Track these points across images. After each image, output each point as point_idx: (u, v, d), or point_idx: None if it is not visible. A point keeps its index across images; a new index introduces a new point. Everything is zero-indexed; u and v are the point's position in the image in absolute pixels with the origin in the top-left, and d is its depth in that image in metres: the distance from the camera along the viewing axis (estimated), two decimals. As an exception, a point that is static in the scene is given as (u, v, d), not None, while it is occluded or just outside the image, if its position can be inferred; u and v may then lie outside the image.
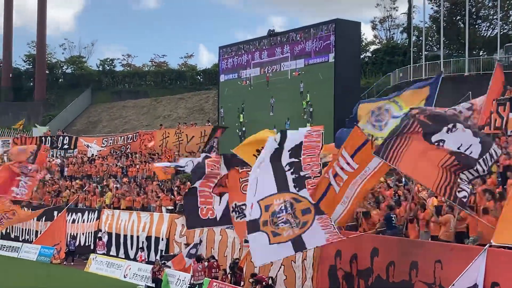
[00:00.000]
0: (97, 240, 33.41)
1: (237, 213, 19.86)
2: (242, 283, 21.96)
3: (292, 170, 16.78)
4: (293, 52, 36.61)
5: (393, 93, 17.37)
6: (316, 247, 18.30)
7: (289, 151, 16.81)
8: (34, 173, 35.15)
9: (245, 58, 39.71)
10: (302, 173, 16.66)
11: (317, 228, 16.27)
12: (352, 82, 34.72)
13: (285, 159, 16.88)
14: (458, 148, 14.07)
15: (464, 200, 14.24)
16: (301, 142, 16.84)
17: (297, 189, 16.59)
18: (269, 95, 37.87)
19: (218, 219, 21.55)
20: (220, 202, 21.27)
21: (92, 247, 33.86)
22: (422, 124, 14.38)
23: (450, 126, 14.23)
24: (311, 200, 16.25)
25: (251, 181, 17.19)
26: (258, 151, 18.77)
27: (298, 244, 16.41)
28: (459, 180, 14.15)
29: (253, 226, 16.73)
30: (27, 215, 36.72)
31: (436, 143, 14.20)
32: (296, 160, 16.76)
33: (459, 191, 14.06)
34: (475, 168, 14.12)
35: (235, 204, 19.86)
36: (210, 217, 21.63)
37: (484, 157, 14.09)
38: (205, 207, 21.51)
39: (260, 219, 16.58)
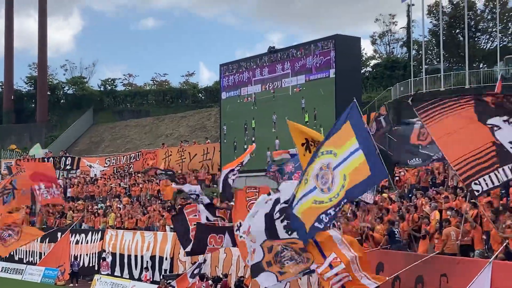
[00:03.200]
0: (101, 260, 33.32)
1: (241, 232, 19.78)
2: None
3: (281, 218, 16.66)
4: (293, 69, 36.64)
5: (318, 147, 16.38)
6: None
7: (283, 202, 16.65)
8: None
9: (246, 75, 39.76)
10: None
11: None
12: (353, 97, 34.66)
13: (277, 208, 16.80)
14: (510, 142, 13.63)
15: (476, 193, 14.08)
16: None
17: (289, 233, 16.51)
18: (271, 112, 37.90)
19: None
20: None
21: (96, 268, 33.76)
22: (481, 105, 14.02)
23: (509, 118, 13.77)
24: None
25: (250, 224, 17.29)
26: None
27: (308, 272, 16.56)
28: (485, 174, 13.77)
29: (258, 268, 16.89)
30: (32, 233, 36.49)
31: (490, 125, 13.78)
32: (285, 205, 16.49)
33: (475, 183, 13.80)
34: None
35: (240, 223, 19.80)
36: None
37: None
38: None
39: (263, 260, 16.71)
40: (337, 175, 14.98)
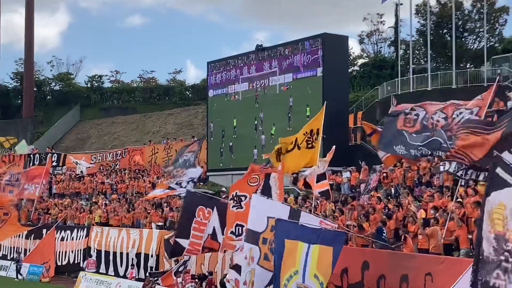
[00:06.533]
0: (87, 258, 33.17)
1: (235, 202, 19.75)
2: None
3: None
4: (281, 67, 36.65)
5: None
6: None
7: None
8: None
9: (234, 73, 39.71)
10: None
11: None
12: (341, 96, 34.74)
13: None
14: None
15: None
16: None
17: None
18: (258, 110, 37.90)
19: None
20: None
21: (81, 265, 33.61)
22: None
23: None
24: None
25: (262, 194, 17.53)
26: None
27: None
28: None
29: (253, 237, 16.91)
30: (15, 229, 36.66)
31: None
32: None
33: None
34: None
35: (236, 193, 19.81)
36: None
37: None
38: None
39: (262, 234, 16.67)
40: (310, 283, 15.28)
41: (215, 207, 21.06)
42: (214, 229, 21.06)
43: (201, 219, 21.08)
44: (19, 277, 34.75)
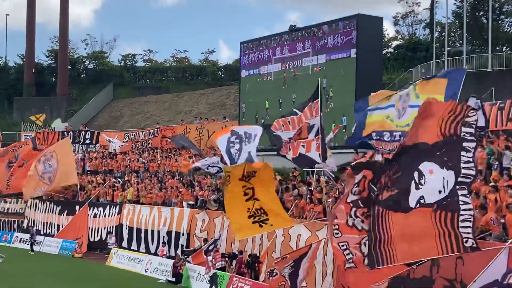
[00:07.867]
0: (108, 237, 33.71)
1: None
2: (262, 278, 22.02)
3: None
4: (314, 48, 36.45)
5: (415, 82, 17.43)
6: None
7: None
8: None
9: (266, 53, 39.61)
10: None
11: None
12: (374, 78, 34.45)
13: None
14: (440, 193, 12.70)
15: (474, 246, 12.81)
16: None
17: None
18: (291, 91, 37.78)
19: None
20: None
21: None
22: (389, 201, 13.40)
23: (416, 179, 12.98)
24: None
25: None
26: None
27: None
28: (459, 228, 12.68)
29: None
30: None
31: (417, 206, 12.99)
32: None
33: (465, 241, 12.68)
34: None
35: None
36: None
37: (460, 176, 12.63)
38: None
39: None
40: (408, 113, 15.63)
41: None
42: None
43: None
44: (35, 250, 35.60)
